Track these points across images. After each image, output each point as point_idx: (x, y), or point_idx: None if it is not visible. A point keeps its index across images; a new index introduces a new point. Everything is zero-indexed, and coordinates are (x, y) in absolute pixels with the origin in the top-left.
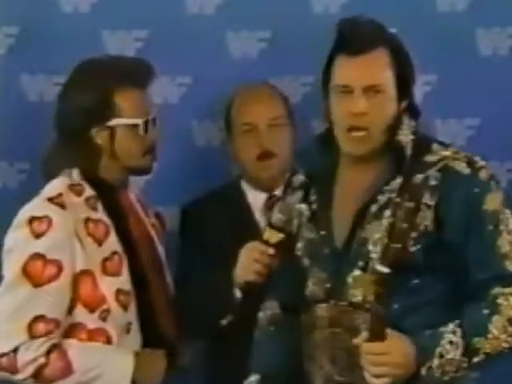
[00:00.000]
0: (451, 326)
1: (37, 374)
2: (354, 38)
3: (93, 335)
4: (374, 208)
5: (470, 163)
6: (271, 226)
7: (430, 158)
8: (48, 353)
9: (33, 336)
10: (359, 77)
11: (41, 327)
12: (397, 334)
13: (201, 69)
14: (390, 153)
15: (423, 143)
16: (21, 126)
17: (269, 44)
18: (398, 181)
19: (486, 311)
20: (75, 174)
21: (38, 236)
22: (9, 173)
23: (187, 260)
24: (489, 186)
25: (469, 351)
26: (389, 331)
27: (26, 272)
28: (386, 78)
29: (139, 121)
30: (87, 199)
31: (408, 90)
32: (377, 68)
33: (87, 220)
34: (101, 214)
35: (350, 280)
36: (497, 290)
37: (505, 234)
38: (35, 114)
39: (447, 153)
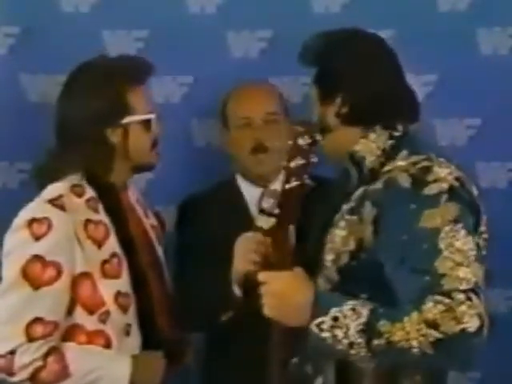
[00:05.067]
0: (362, 299)
1: (33, 377)
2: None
3: (92, 337)
4: (337, 217)
5: (417, 176)
6: (262, 211)
7: (386, 168)
8: (45, 356)
9: (31, 338)
10: None
11: (39, 329)
12: (302, 273)
13: (202, 68)
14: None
15: (393, 151)
16: (21, 126)
17: (269, 44)
18: (361, 190)
19: (407, 306)
20: (78, 175)
21: (37, 238)
22: (9, 173)
23: (184, 256)
24: (431, 202)
25: (370, 329)
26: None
27: (25, 274)
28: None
29: (152, 116)
30: (88, 200)
31: (333, 94)
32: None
33: (87, 222)
34: (101, 216)
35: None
36: (428, 297)
37: (446, 253)
38: (36, 113)
39: (401, 163)
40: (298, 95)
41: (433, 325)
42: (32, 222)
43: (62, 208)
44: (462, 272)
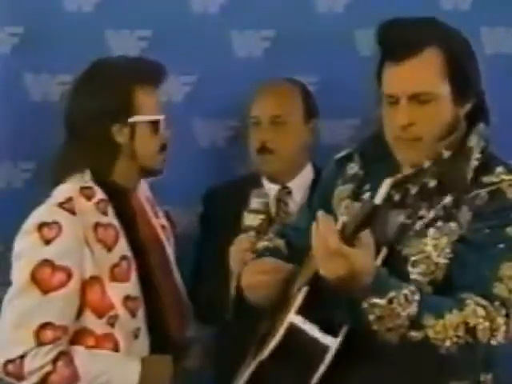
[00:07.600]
0: (414, 288)
1: (43, 382)
2: (395, 42)
3: (100, 341)
4: (418, 225)
5: None
6: (249, 211)
7: (487, 179)
8: (55, 360)
9: (40, 343)
10: (404, 85)
11: (48, 334)
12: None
13: (205, 68)
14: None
15: (487, 165)
16: (25, 126)
17: (273, 43)
18: (449, 199)
19: (449, 302)
20: (87, 176)
21: (47, 242)
22: (13, 172)
23: (203, 250)
24: None
25: (414, 321)
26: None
27: (34, 278)
28: (435, 83)
29: (160, 117)
30: (98, 203)
31: (469, 92)
32: (424, 74)
33: (97, 225)
34: (111, 218)
35: None
36: (469, 295)
37: None
38: (39, 113)
39: (508, 177)
40: None
41: (471, 331)
42: (42, 225)
43: (72, 211)
44: None
